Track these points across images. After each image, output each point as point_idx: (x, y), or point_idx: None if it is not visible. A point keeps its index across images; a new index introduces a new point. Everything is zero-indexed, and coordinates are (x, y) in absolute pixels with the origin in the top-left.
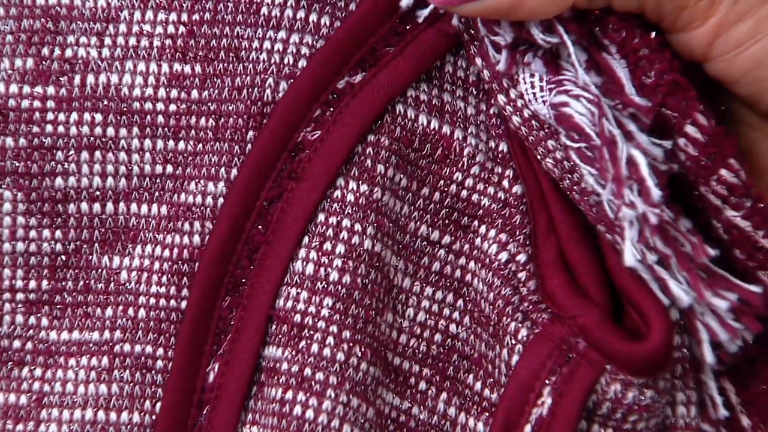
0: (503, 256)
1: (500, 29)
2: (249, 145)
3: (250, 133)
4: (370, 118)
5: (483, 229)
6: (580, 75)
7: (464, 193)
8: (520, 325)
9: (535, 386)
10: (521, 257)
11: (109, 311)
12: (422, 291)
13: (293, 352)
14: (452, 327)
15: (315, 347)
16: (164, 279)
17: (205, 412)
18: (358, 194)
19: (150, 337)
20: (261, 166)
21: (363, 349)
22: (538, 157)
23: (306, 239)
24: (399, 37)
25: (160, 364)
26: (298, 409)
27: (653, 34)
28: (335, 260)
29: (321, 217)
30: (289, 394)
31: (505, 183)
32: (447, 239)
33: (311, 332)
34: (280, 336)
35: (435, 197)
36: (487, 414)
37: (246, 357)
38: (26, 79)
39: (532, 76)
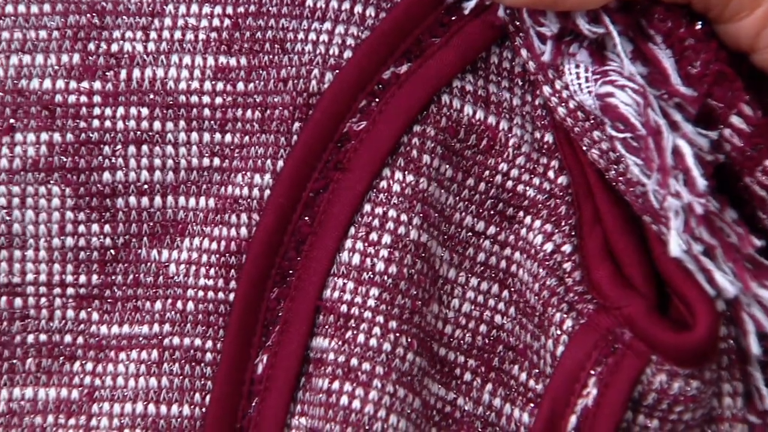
0: (548, 246)
1: (546, 20)
2: (295, 137)
3: (296, 125)
4: (416, 109)
5: (528, 219)
6: (625, 65)
7: (509, 183)
8: (565, 315)
9: (581, 377)
10: (567, 248)
11: (158, 305)
12: (467, 282)
13: (340, 343)
14: (497, 318)
15: (361, 337)
16: (212, 272)
17: (254, 403)
18: (404, 184)
19: (199, 329)
20: (307, 157)
21: (409, 340)
22: (584, 148)
23: (352, 230)
24: (444, 28)
25: (209, 356)
26: (344, 400)
27: (699, 25)
28: (381, 251)
29: (367, 207)
30: (336, 385)
31: (551, 174)
32: (492, 230)
33: (357, 322)
34: (327, 326)
35: (480, 188)
36: (532, 405)
37: (294, 348)
38: (73, 75)
39: (577, 66)
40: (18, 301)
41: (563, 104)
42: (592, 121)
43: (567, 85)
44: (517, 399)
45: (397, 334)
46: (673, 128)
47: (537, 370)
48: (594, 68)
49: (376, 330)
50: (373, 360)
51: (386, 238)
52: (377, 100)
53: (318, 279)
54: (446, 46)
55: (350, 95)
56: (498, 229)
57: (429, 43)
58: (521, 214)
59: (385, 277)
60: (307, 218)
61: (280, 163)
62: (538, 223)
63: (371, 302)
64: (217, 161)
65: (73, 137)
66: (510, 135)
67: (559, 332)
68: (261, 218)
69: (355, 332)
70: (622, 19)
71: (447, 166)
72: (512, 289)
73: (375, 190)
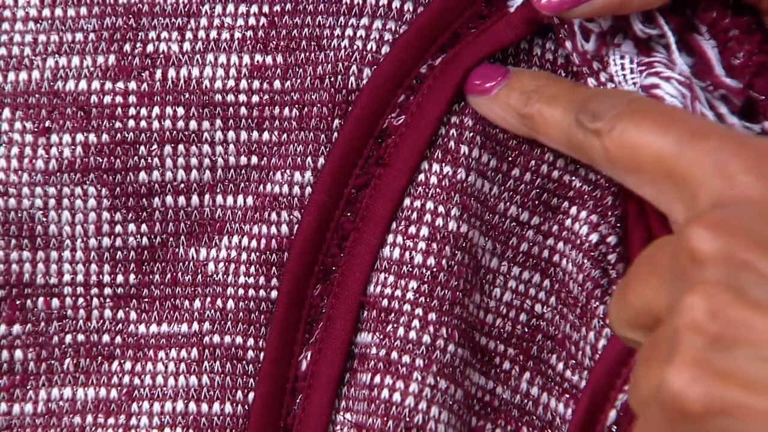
0: (594, 237)
1: (597, 18)
2: (335, 134)
3: (336, 122)
4: (453, 99)
5: (574, 210)
6: (675, 58)
7: (555, 173)
8: None
9: (622, 372)
10: (612, 239)
11: (197, 303)
12: (509, 271)
13: (381, 336)
14: (538, 307)
15: (401, 330)
16: (252, 269)
17: (298, 400)
18: (441, 176)
19: (240, 327)
20: (348, 153)
21: (450, 331)
22: None
23: (393, 224)
24: (483, 20)
25: (251, 354)
26: (385, 393)
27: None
28: (419, 243)
29: (407, 201)
30: (377, 378)
31: None
32: (536, 220)
33: (397, 316)
34: (370, 321)
35: (525, 177)
36: (567, 396)
37: (339, 344)
38: (108, 75)
39: (622, 57)
40: (55, 302)
41: None
42: None
43: (612, 76)
44: (554, 389)
45: (437, 326)
46: (719, 120)
47: (574, 361)
48: (639, 59)
49: (416, 322)
50: (413, 352)
51: (424, 231)
52: (415, 94)
53: (361, 275)
54: (483, 34)
55: (389, 90)
56: (542, 219)
57: (467, 34)
58: (566, 204)
59: (424, 270)
60: (349, 214)
61: (321, 160)
62: (583, 213)
63: (410, 295)
64: (254, 159)
65: (109, 138)
66: None
67: (601, 324)
68: (303, 215)
69: (395, 326)
70: (675, 19)
71: (490, 156)
72: (554, 279)
73: (414, 184)
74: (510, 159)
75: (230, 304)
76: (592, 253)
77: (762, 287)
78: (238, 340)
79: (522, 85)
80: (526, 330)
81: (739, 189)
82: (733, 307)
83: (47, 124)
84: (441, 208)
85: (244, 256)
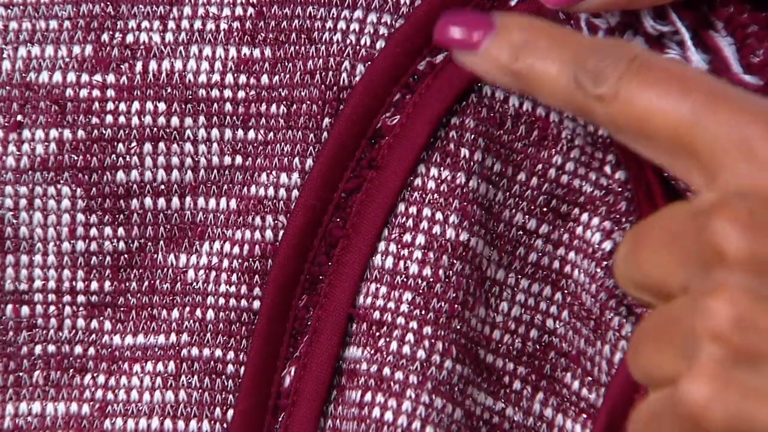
0: (607, 245)
1: (605, 13)
2: (325, 134)
3: (326, 120)
4: (453, 99)
5: (585, 217)
6: (690, 55)
7: (564, 178)
8: (624, 319)
9: (641, 387)
10: None
11: (175, 313)
12: (517, 283)
13: (372, 351)
14: (549, 322)
15: (394, 345)
16: (234, 278)
17: (281, 419)
18: (439, 181)
19: (220, 339)
20: (338, 155)
21: (447, 346)
22: None
23: (386, 232)
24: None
25: (231, 368)
26: (376, 412)
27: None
28: (415, 252)
29: (401, 207)
30: (368, 396)
31: (607, 168)
32: (545, 228)
33: (390, 329)
34: (360, 335)
35: (532, 183)
36: (584, 416)
37: (325, 359)
38: (85, 67)
39: None
40: (25, 310)
41: None
42: None
43: None
44: (570, 409)
45: (433, 340)
46: None
47: (591, 378)
48: None
49: (410, 336)
50: (407, 369)
51: (420, 239)
52: (412, 92)
53: (350, 285)
54: None
55: (383, 88)
56: (551, 227)
57: None
58: (576, 211)
59: (419, 281)
60: (338, 220)
61: (309, 161)
62: (595, 220)
63: (404, 307)
64: (239, 159)
65: (85, 134)
66: (562, 126)
67: (617, 337)
68: (289, 220)
69: (387, 340)
70: (689, 15)
71: (494, 159)
72: (566, 291)
73: (410, 189)
74: (515, 162)
75: (210, 314)
76: (606, 262)
77: None
78: (218, 353)
79: (511, 38)
80: (538, 347)
81: (766, 175)
82: (761, 319)
83: (18, 118)
84: (438, 215)
85: (225, 263)
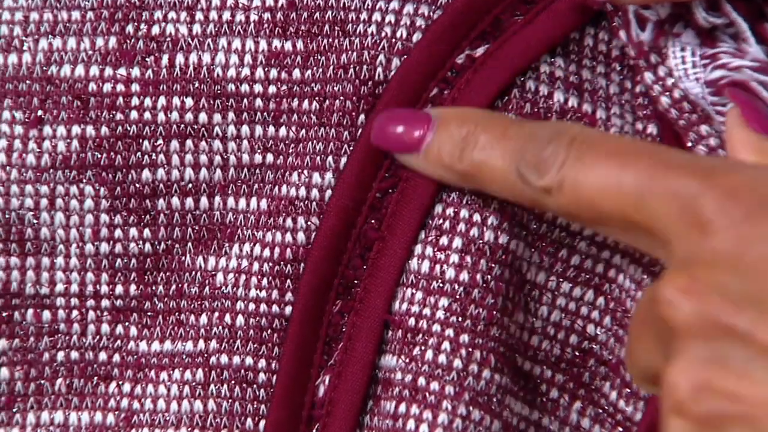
0: None
1: (655, 4)
2: (359, 131)
3: (361, 117)
4: (494, 96)
5: None
6: (748, 48)
7: None
8: None
9: None
10: None
11: (203, 318)
12: (558, 287)
13: (407, 360)
14: (590, 328)
15: (429, 354)
16: (265, 282)
17: (315, 430)
18: None
19: (250, 347)
20: (373, 153)
21: (485, 354)
22: (689, 144)
23: (422, 234)
24: (529, 5)
25: (262, 377)
26: (411, 424)
27: None
28: (452, 256)
29: (438, 208)
30: (403, 407)
31: None
32: (589, 229)
33: (425, 337)
34: (395, 343)
35: None
36: (621, 429)
37: (360, 367)
38: (108, 60)
39: (682, 50)
40: (46, 315)
41: (667, 93)
42: (699, 114)
43: (671, 70)
44: (606, 421)
45: (470, 349)
46: None
47: (629, 390)
48: (702, 51)
49: (446, 345)
50: (442, 379)
51: (457, 242)
52: (450, 87)
53: (386, 290)
54: (530, 24)
55: (420, 83)
56: None
57: (510, 22)
58: None
59: (456, 286)
60: (373, 221)
61: (343, 160)
62: None
63: (440, 314)
64: (270, 158)
65: (109, 131)
66: (609, 124)
67: None
68: (322, 222)
69: (423, 348)
70: (743, 6)
71: None
72: (609, 297)
73: (447, 189)
74: None
75: (240, 320)
76: (652, 268)
77: (745, 353)
78: (249, 361)
79: (450, 135)
80: (577, 354)
81: (711, 239)
82: (717, 382)
83: (39, 114)
84: (476, 217)
85: (256, 266)
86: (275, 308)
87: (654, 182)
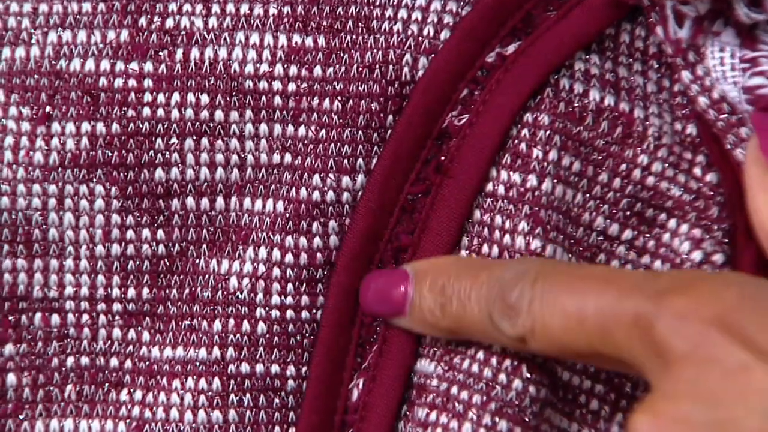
0: (697, 255)
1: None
2: (388, 132)
3: (389, 119)
4: (526, 95)
5: (672, 223)
6: None
7: (651, 179)
8: None
9: None
10: (718, 257)
11: (217, 325)
12: None
13: (445, 368)
14: None
15: (465, 363)
16: (290, 287)
17: None
18: (508, 185)
19: (276, 354)
20: (403, 156)
21: (515, 364)
22: (728, 146)
23: (465, 240)
24: (561, 0)
25: (291, 384)
26: None
27: None
28: None
29: (477, 214)
30: (433, 416)
31: (697, 171)
32: (628, 234)
33: (465, 345)
34: (434, 348)
35: (615, 184)
36: None
37: (396, 371)
38: (120, 55)
39: (721, 50)
40: (55, 318)
41: (705, 93)
42: (739, 116)
43: (709, 71)
44: None
45: (500, 358)
46: None
47: None
48: (742, 54)
49: (480, 354)
50: (472, 388)
51: (495, 250)
52: (481, 88)
53: None
54: (564, 20)
55: (449, 84)
56: (635, 233)
57: (543, 18)
58: (664, 216)
59: None
60: (406, 224)
61: (374, 162)
62: (684, 227)
63: None
64: (288, 158)
65: (120, 128)
66: (648, 123)
67: None
68: (352, 223)
69: (461, 357)
70: None
71: (572, 158)
72: None
73: (483, 194)
74: (596, 162)
75: (261, 327)
76: None
77: None
78: (275, 368)
79: (429, 289)
80: None
81: (672, 369)
82: None
83: (47, 110)
84: (508, 223)
85: (276, 271)
86: (305, 314)
87: (613, 310)
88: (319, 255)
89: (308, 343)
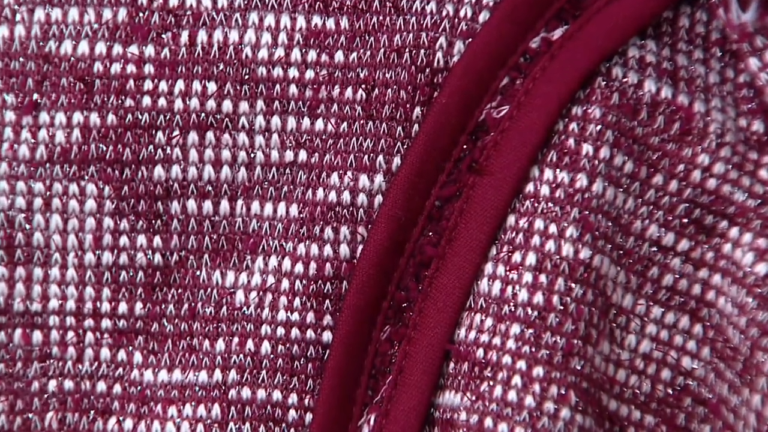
0: (762, 268)
1: None
2: (416, 126)
3: (417, 110)
4: (575, 85)
5: (735, 231)
6: None
7: (711, 182)
8: None
9: None
10: None
11: (220, 344)
12: (648, 312)
13: (474, 398)
14: (685, 360)
15: (498, 391)
16: (297, 302)
17: None
18: (554, 185)
19: (279, 379)
20: (431, 154)
21: (562, 391)
22: None
23: (493, 250)
24: None
25: (293, 414)
26: None
27: None
28: (524, 275)
29: (511, 219)
30: None
31: (763, 173)
32: (684, 244)
33: (494, 371)
34: (458, 377)
35: (671, 187)
36: None
37: (412, 406)
38: (117, 37)
39: None
40: (37, 336)
41: None
42: None
43: None
44: None
45: (545, 384)
46: None
47: None
48: None
49: (516, 380)
50: (512, 419)
51: (531, 259)
52: (524, 76)
53: (447, 315)
54: (616, 1)
55: (488, 71)
56: (692, 243)
57: None
58: (724, 224)
59: (529, 310)
60: (431, 234)
61: (396, 160)
62: (748, 236)
63: (510, 343)
64: (303, 155)
65: (117, 119)
66: (709, 119)
67: None
68: (370, 233)
69: (491, 384)
70: None
71: (625, 157)
72: (707, 324)
73: (521, 196)
74: (651, 162)
75: (265, 347)
76: (759, 290)
77: None
78: (276, 395)
79: None
80: (670, 391)
81: None
82: None
83: (35, 98)
84: (553, 228)
85: (285, 284)
86: (310, 334)
87: None
88: (327, 266)
89: (312, 369)
